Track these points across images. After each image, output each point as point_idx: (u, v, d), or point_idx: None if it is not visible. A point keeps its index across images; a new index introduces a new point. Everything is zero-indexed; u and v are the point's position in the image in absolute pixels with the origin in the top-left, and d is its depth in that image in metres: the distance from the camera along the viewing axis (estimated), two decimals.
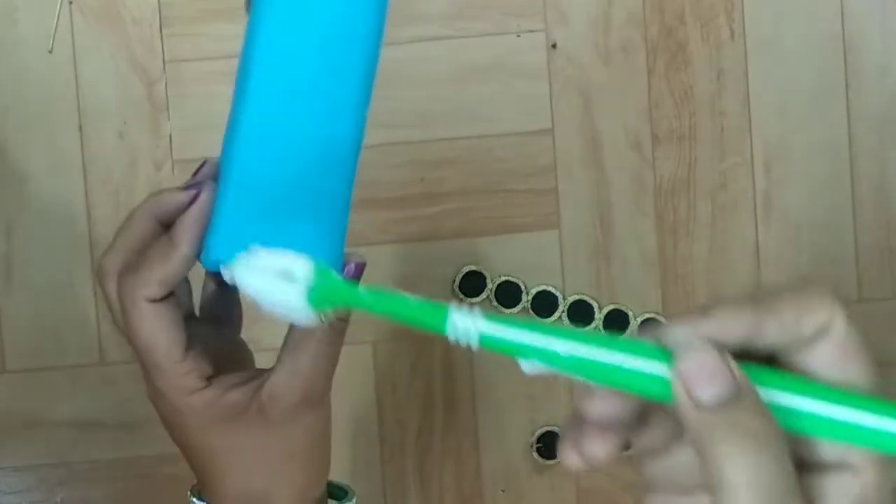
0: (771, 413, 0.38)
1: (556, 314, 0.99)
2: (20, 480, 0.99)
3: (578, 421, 0.41)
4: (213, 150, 1.01)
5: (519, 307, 0.99)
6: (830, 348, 0.41)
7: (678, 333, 0.39)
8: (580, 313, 0.99)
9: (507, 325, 0.43)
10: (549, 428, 1.00)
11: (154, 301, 0.52)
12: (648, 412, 0.41)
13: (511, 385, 1.01)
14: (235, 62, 1.01)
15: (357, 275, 0.53)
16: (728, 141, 1.01)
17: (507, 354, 0.43)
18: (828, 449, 0.39)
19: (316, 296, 0.46)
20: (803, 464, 0.39)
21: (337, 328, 0.53)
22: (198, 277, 0.60)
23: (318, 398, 0.55)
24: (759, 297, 0.41)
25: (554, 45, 1.00)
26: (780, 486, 0.36)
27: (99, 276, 0.56)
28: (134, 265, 0.52)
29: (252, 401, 0.54)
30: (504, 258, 1.00)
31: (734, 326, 0.39)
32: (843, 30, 1.01)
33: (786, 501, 0.36)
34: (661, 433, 0.41)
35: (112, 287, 0.55)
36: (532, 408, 1.01)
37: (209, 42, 0.99)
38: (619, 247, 1.01)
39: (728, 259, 1.01)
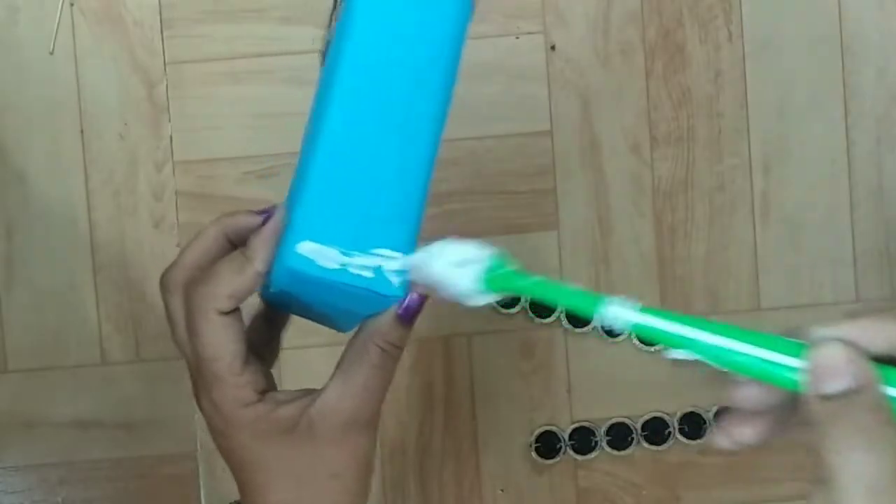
0: (891, 413, 0.41)
1: (555, 315, 0.99)
2: (22, 480, 1.00)
3: (731, 409, 0.46)
4: (214, 151, 1.02)
5: (518, 307, 0.99)
6: None
7: (820, 332, 0.43)
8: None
9: (658, 317, 0.47)
10: (547, 428, 1.01)
11: (223, 314, 0.54)
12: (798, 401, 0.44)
13: (510, 385, 1.01)
14: (236, 63, 1.02)
15: (416, 307, 0.55)
16: (726, 142, 1.01)
17: (656, 343, 0.49)
18: None
19: (489, 281, 0.53)
20: None
21: (391, 354, 0.55)
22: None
23: (365, 421, 0.56)
24: None
25: (553, 47, 1.01)
26: (887, 483, 0.39)
27: (162, 289, 0.57)
28: (204, 279, 0.54)
29: (302, 417, 0.55)
30: None
31: (878, 335, 0.43)
32: (841, 31, 1.02)
33: (892, 498, 0.39)
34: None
35: (176, 300, 0.57)
36: (531, 408, 1.01)
37: (210, 44, 0.99)
38: (617, 247, 1.01)
39: (726, 260, 1.02)
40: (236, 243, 0.56)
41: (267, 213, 0.55)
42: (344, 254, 0.53)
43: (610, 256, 1.01)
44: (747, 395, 0.45)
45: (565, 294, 0.51)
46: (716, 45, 1.01)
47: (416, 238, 0.56)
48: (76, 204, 1.00)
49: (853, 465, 0.40)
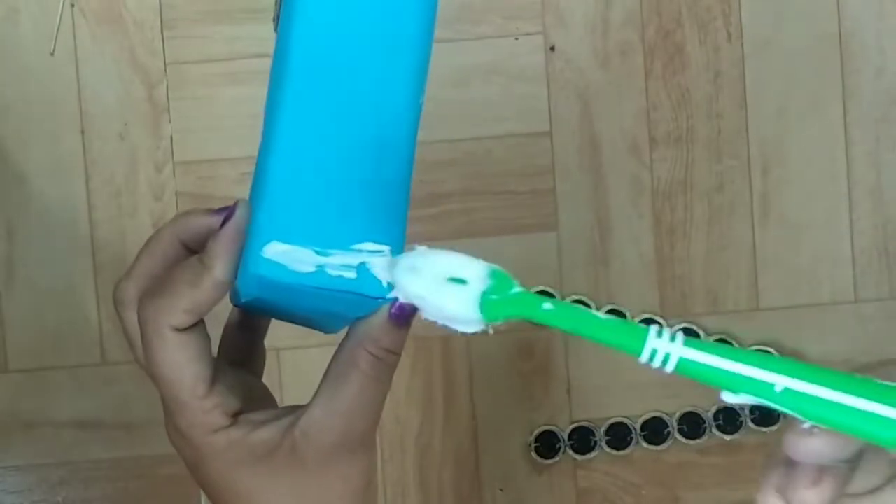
0: None
1: None
2: (22, 480, 1.00)
3: (785, 461, 0.38)
4: (214, 152, 1.02)
5: None
6: None
7: None
8: None
9: (710, 353, 0.39)
10: (547, 428, 1.01)
11: (179, 330, 0.47)
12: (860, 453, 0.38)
13: (510, 385, 1.01)
14: (236, 64, 1.02)
15: (411, 307, 0.47)
16: (725, 143, 1.02)
17: (706, 383, 0.39)
18: None
19: (490, 305, 0.42)
20: None
21: (386, 361, 0.48)
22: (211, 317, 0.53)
23: (358, 441, 0.48)
24: None
25: (552, 48, 1.01)
26: None
27: (115, 303, 0.50)
28: (157, 291, 0.47)
29: (283, 439, 0.48)
30: (502, 259, 1.00)
31: None
32: (840, 32, 1.02)
33: None
34: (876, 477, 0.38)
35: (131, 315, 0.49)
36: (531, 408, 1.01)
37: (210, 44, 1.00)
38: (616, 248, 1.01)
39: (725, 260, 1.02)
40: (194, 248, 0.49)
41: (227, 212, 0.47)
42: (319, 253, 0.46)
43: (609, 257, 1.01)
44: (819, 448, 0.37)
45: (596, 325, 0.41)
46: (715, 45, 1.02)
47: (404, 230, 0.48)
48: (77, 204, 1.00)
49: None
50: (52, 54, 1.00)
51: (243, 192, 0.97)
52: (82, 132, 1.00)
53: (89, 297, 1.00)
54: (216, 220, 0.47)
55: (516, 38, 1.01)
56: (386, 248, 0.47)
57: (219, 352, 0.54)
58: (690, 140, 1.01)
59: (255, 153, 0.48)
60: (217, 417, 0.48)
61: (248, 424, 0.48)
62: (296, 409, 0.49)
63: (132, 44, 1.00)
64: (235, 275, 0.47)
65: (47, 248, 1.00)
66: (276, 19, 0.50)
